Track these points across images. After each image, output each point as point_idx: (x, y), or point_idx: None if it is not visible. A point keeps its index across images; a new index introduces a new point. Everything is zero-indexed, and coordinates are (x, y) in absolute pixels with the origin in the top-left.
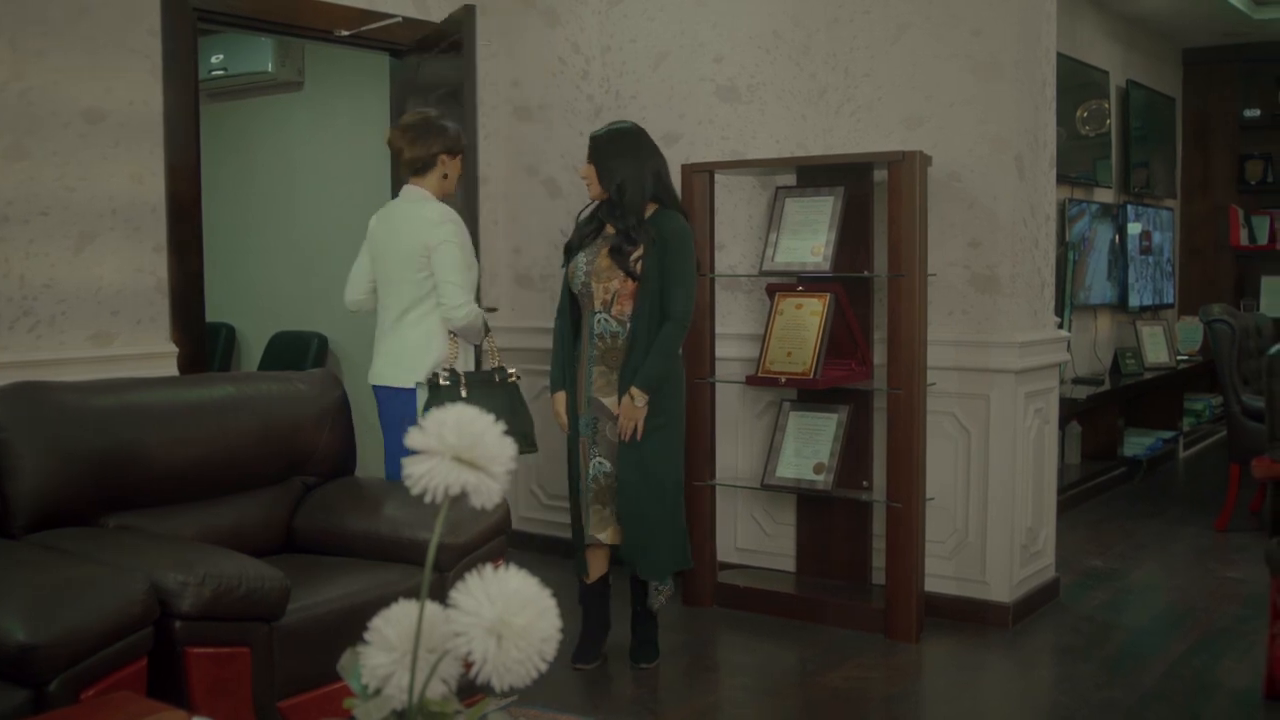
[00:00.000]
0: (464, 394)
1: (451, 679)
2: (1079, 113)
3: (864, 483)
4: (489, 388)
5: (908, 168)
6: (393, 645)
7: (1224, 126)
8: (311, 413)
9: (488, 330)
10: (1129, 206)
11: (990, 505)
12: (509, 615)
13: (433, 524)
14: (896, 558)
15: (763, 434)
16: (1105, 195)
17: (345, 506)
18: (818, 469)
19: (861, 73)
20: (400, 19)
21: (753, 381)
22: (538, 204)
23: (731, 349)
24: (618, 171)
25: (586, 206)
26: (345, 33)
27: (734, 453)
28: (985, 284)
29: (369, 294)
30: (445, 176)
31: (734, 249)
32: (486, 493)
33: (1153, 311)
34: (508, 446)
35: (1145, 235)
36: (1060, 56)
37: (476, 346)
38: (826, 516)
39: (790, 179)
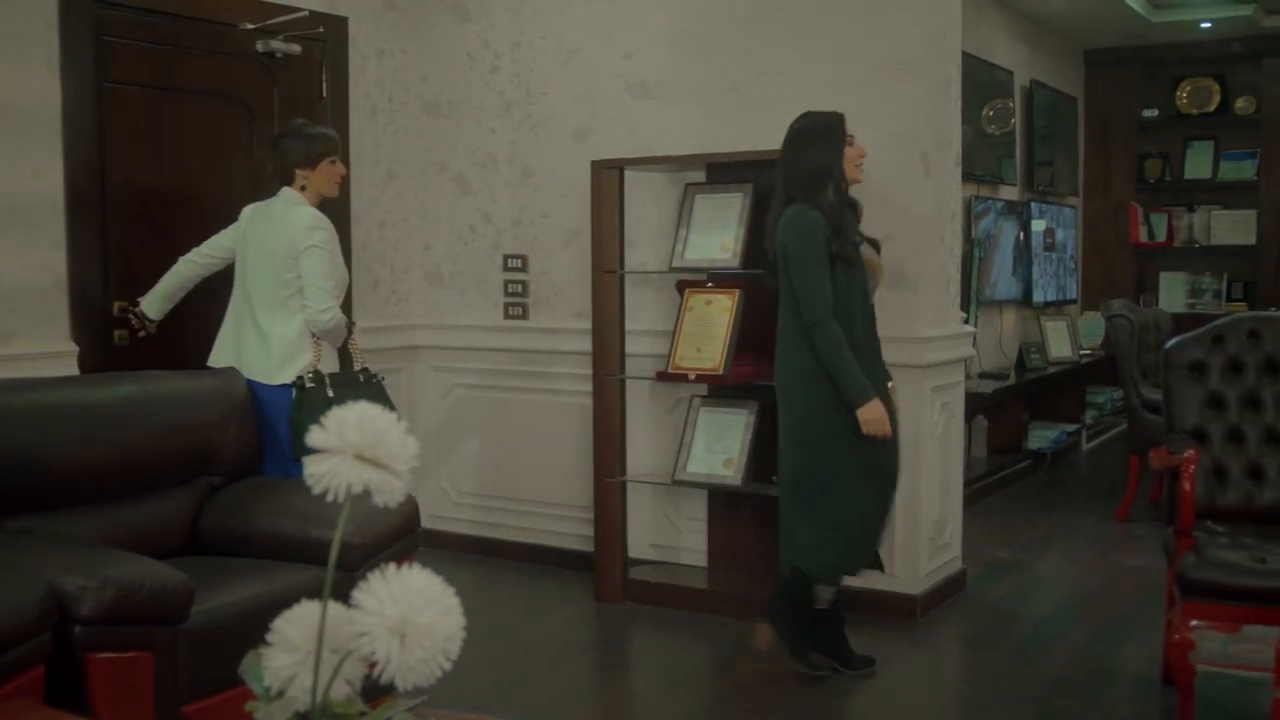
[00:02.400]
0: (330, 394)
1: (356, 679)
2: (985, 111)
3: (774, 477)
4: (355, 388)
5: None
6: (295, 646)
7: (1124, 126)
8: (217, 412)
9: (350, 333)
10: (1033, 204)
11: (898, 499)
12: (412, 614)
13: (348, 524)
14: None
15: (673, 430)
16: (1010, 193)
17: (252, 507)
18: (728, 464)
19: (772, 70)
20: (307, 13)
21: (663, 378)
22: (448, 200)
23: (641, 345)
24: None
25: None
26: (251, 26)
27: (645, 449)
28: (893, 280)
29: (210, 263)
30: (304, 188)
31: (644, 246)
32: (389, 491)
33: (1056, 307)
34: (410, 444)
35: (1049, 232)
36: (966, 56)
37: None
38: (736, 511)
39: (700, 175)
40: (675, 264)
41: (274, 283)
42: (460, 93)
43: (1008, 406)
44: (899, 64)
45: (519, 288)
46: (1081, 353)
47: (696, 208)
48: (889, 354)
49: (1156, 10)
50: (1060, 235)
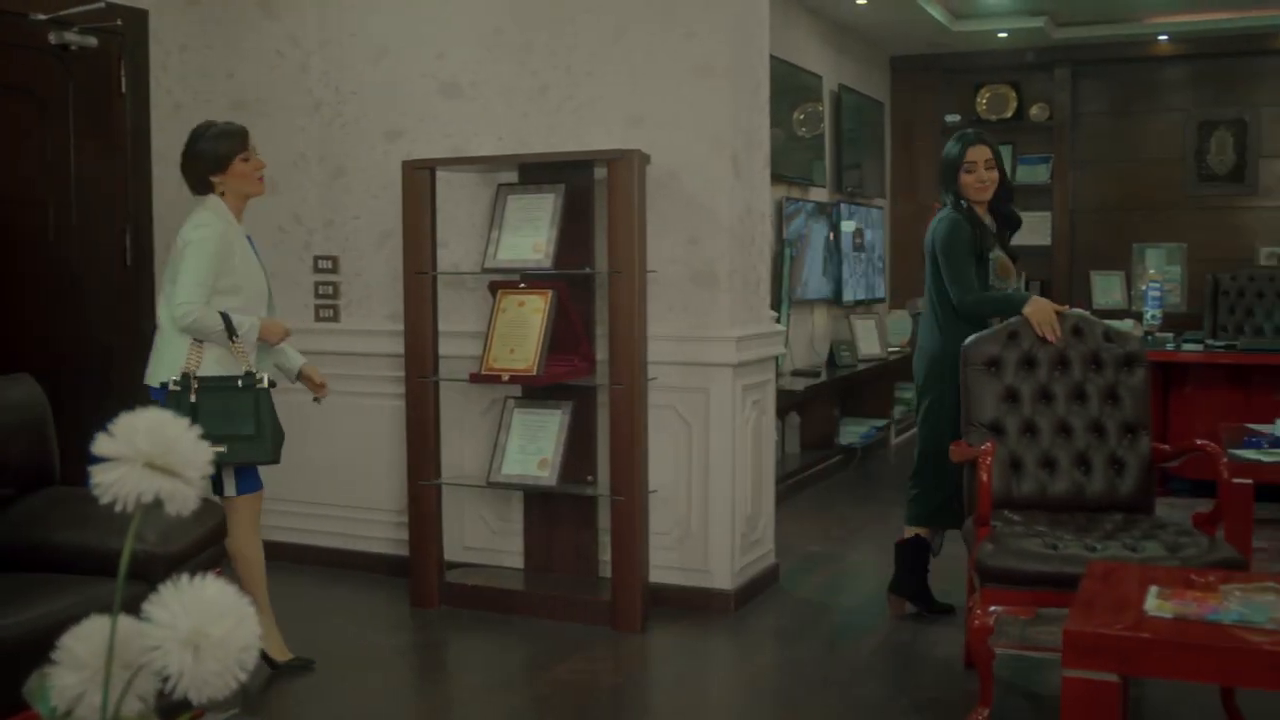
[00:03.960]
0: (193, 399)
1: (149, 695)
2: (795, 115)
3: (588, 477)
4: (229, 393)
5: (626, 166)
6: (83, 663)
7: (928, 130)
8: (9, 421)
9: (233, 334)
10: (842, 205)
11: (711, 496)
12: (205, 625)
13: (150, 534)
14: (621, 550)
15: (487, 432)
16: (820, 194)
17: (51, 519)
18: (542, 465)
19: (583, 71)
20: (104, 4)
21: (476, 379)
22: (256, 201)
23: (454, 347)
24: (1005, 173)
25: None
26: (43, 17)
27: (459, 451)
28: (703, 280)
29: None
30: (224, 194)
31: (456, 246)
32: (181, 499)
33: (865, 305)
34: (204, 451)
35: (858, 233)
36: (776, 60)
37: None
38: (553, 512)
39: (512, 176)
40: (488, 265)
41: (167, 284)
42: (268, 91)
43: (819, 403)
44: (708, 67)
45: (330, 289)
46: (890, 350)
47: (509, 208)
48: (698, 353)
49: (957, 20)
50: (869, 236)
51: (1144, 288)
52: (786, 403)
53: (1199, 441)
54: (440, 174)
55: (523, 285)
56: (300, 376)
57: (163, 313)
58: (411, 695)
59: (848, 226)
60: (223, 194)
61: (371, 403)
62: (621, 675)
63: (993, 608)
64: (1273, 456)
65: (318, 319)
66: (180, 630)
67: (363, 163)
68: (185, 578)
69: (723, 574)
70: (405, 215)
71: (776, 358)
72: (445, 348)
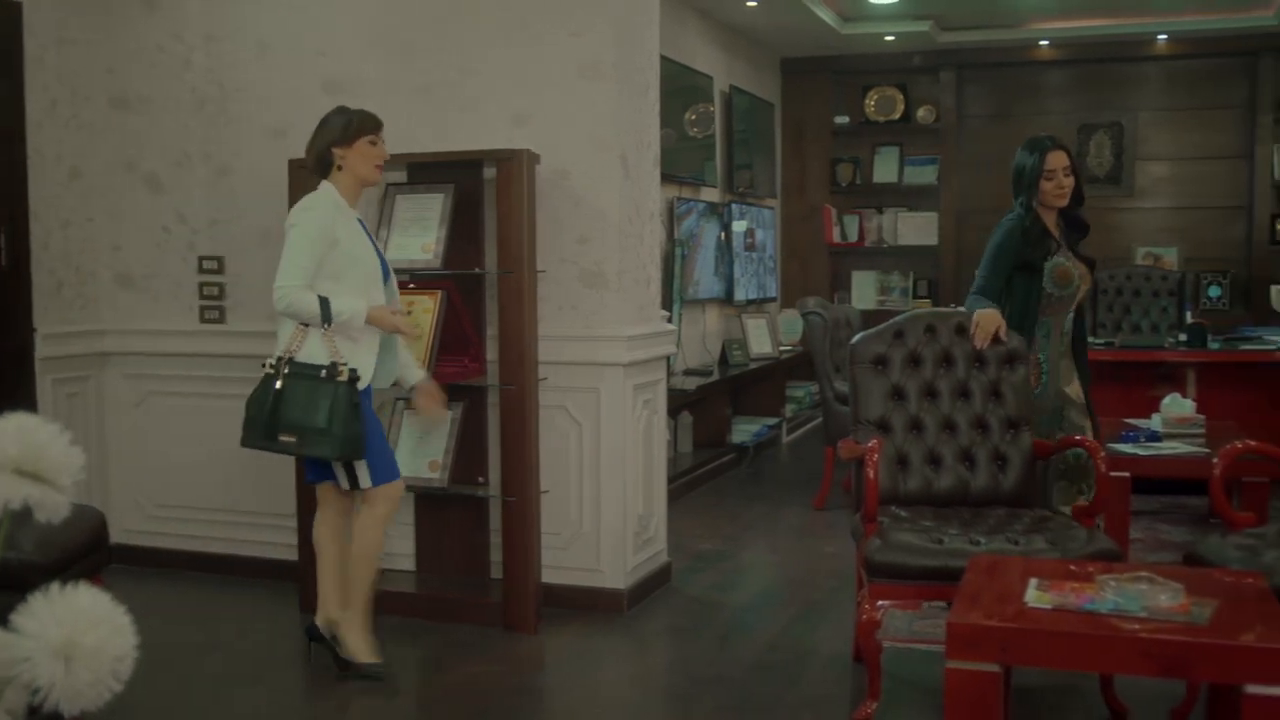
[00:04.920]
0: (279, 384)
1: (19, 709)
2: (687, 115)
3: (480, 478)
4: (313, 382)
5: (515, 165)
6: None
7: (818, 132)
8: None
9: (327, 319)
10: (734, 205)
11: (603, 495)
12: (78, 635)
13: (26, 542)
14: (513, 551)
15: None
16: (712, 194)
17: None
18: (433, 466)
19: (470, 70)
20: None
21: None
22: (139, 200)
23: None
24: (1079, 177)
25: (1008, 215)
26: None
27: None
28: (593, 280)
29: None
30: (340, 168)
31: None
32: (51, 506)
33: (757, 305)
34: (75, 457)
35: (749, 233)
36: (667, 61)
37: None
38: (444, 514)
39: (401, 176)
40: None
41: None
42: (151, 87)
43: (712, 402)
44: (597, 67)
45: (215, 290)
46: (781, 349)
47: (397, 208)
48: (589, 353)
49: (845, 23)
50: (760, 236)
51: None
52: (678, 402)
53: (1078, 437)
54: None
55: (412, 286)
56: (414, 390)
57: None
58: (304, 701)
59: (739, 226)
60: (340, 168)
61: None
62: (515, 676)
63: (880, 602)
64: (1149, 450)
65: (203, 320)
66: (50, 641)
67: (248, 161)
68: (56, 586)
69: (615, 573)
70: None
71: (668, 357)
72: None
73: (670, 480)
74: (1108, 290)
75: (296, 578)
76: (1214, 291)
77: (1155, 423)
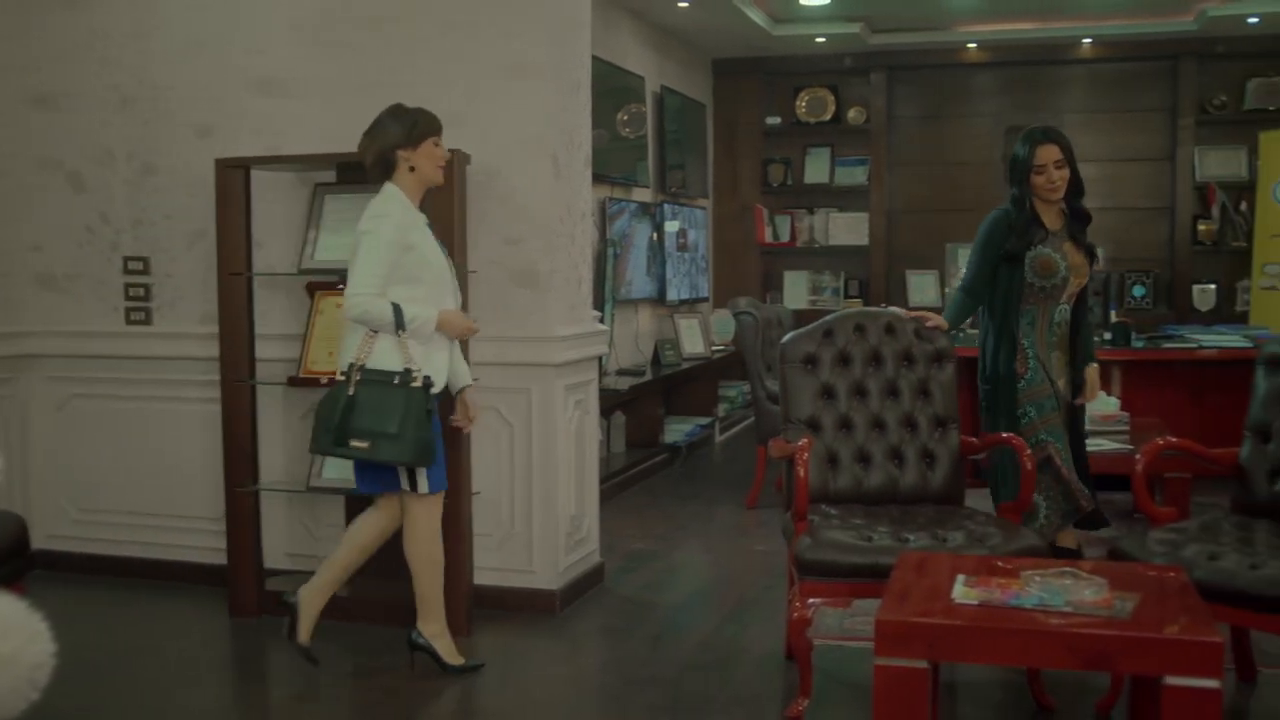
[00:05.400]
0: (351, 391)
1: None
2: (619, 116)
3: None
4: (385, 388)
5: (445, 166)
6: None
7: (749, 132)
8: None
9: (401, 326)
10: (666, 205)
11: (535, 496)
12: None
13: None
14: (445, 552)
15: (307, 436)
16: (644, 195)
17: None
18: None
19: (402, 70)
20: None
21: (295, 382)
22: (60, 199)
23: (272, 350)
24: (1074, 167)
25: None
26: None
27: (278, 456)
28: (525, 280)
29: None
30: (413, 169)
31: (273, 247)
32: None
33: (689, 305)
34: None
35: (682, 233)
36: (599, 61)
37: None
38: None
39: (331, 176)
40: (305, 266)
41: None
42: (73, 84)
43: (645, 402)
44: (529, 67)
45: (141, 291)
46: (714, 349)
47: (327, 208)
48: (520, 353)
49: (776, 24)
50: (692, 236)
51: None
52: (611, 402)
53: (1004, 434)
54: (256, 173)
55: (341, 286)
56: (457, 396)
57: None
58: (231, 708)
59: (671, 226)
60: (412, 169)
61: (186, 408)
62: (446, 679)
63: (811, 600)
64: None
65: (128, 322)
66: None
67: (174, 160)
68: None
69: (547, 574)
70: (219, 215)
71: (600, 357)
72: (262, 350)
73: (603, 480)
74: None
75: (225, 581)
76: (1138, 291)
77: None
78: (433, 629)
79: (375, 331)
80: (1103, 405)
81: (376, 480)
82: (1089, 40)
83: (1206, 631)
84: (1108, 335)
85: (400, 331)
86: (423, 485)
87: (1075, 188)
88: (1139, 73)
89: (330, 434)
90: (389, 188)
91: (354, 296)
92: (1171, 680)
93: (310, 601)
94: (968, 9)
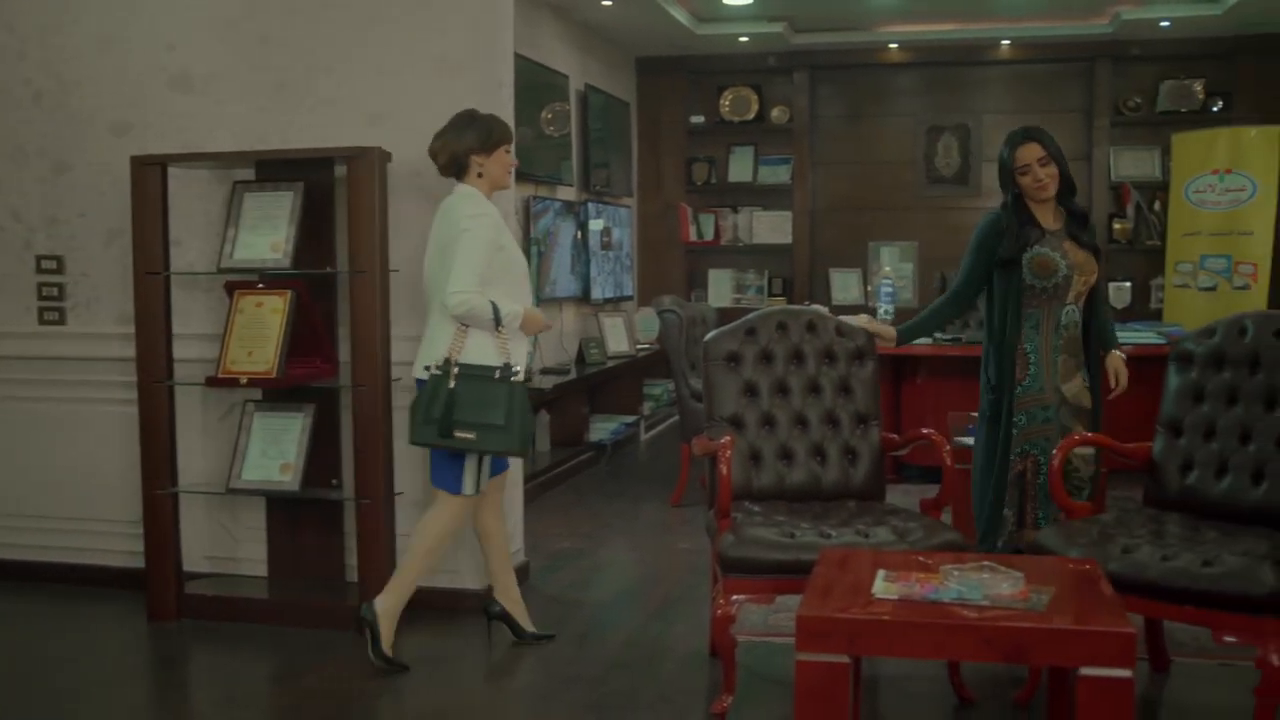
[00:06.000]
0: (452, 385)
1: None
2: (544, 114)
3: (333, 481)
4: (485, 383)
5: (367, 163)
6: None
7: (673, 131)
8: None
9: (499, 323)
10: (590, 204)
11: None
12: None
13: None
14: (368, 554)
15: (227, 437)
16: (568, 193)
17: None
18: (285, 469)
19: (323, 66)
20: None
21: (213, 383)
22: None
23: (190, 350)
24: (1063, 164)
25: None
26: None
27: (197, 458)
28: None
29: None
30: (481, 175)
31: (191, 246)
32: None
33: (614, 303)
34: None
35: (606, 231)
36: (523, 60)
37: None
38: (297, 517)
39: (249, 173)
40: (224, 265)
41: (438, 275)
42: None
43: (570, 400)
44: (450, 64)
45: (55, 291)
46: (639, 347)
47: (245, 206)
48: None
49: (700, 23)
50: (617, 234)
51: (879, 284)
52: (536, 400)
53: (925, 430)
54: (173, 170)
55: (261, 285)
56: None
57: (433, 300)
58: (152, 714)
59: (596, 225)
60: (480, 175)
61: (103, 409)
62: (371, 681)
63: (735, 597)
64: None
65: (42, 322)
66: None
67: (88, 157)
68: None
69: (472, 574)
70: (135, 213)
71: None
72: (180, 351)
73: (528, 480)
74: None
75: (143, 585)
76: None
77: None
78: (388, 606)
79: (466, 327)
80: None
81: (448, 476)
82: (1008, 42)
83: (1119, 623)
84: None
85: (499, 328)
86: (468, 486)
87: (1067, 185)
88: (1056, 74)
89: (434, 425)
90: (467, 189)
91: (458, 294)
92: (1086, 671)
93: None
94: (889, 10)
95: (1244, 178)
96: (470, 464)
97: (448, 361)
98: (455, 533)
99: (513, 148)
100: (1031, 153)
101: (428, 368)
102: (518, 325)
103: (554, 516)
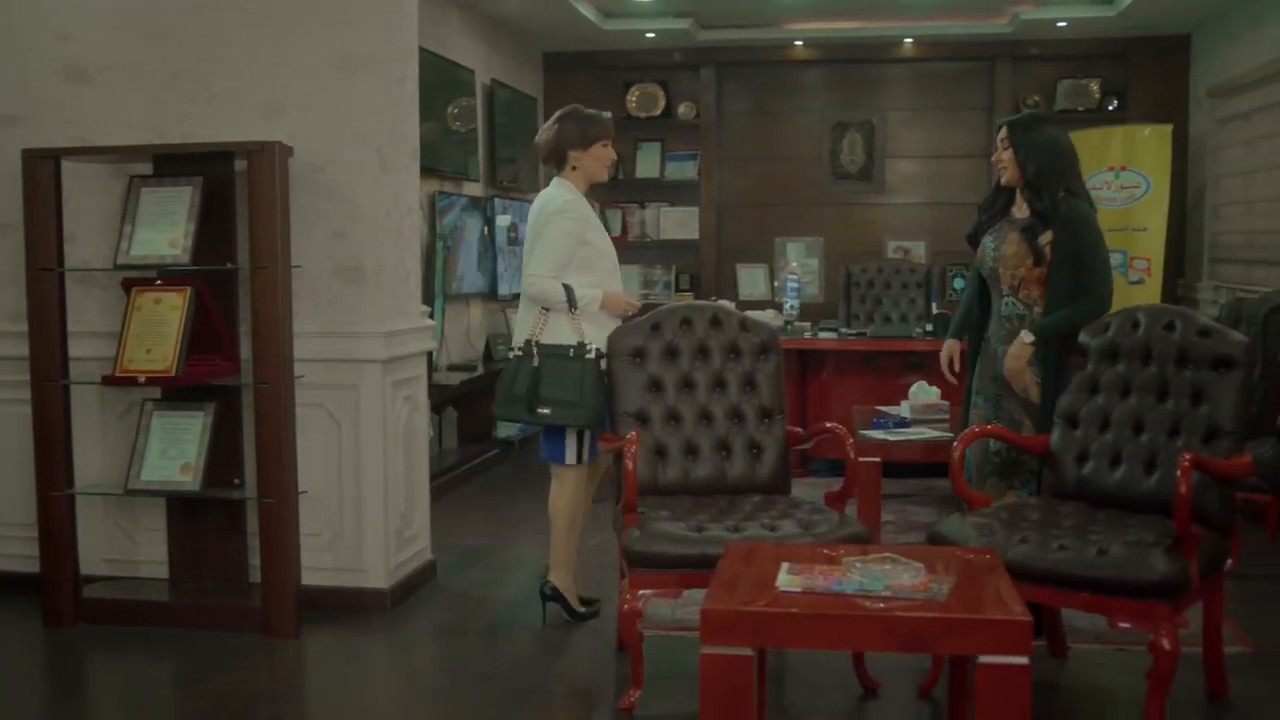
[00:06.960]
0: (535, 363)
1: None
2: (450, 109)
3: (235, 480)
4: (561, 360)
5: (267, 158)
6: None
7: None
8: None
9: (573, 305)
10: (497, 200)
11: (363, 494)
12: None
13: None
14: (271, 554)
15: (124, 437)
16: (475, 189)
17: None
18: (186, 469)
19: (220, 58)
20: None
21: (110, 382)
22: None
23: (86, 348)
24: (1035, 156)
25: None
26: None
27: (94, 459)
28: (350, 275)
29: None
30: (575, 168)
31: (86, 241)
32: None
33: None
34: None
35: (513, 227)
36: (428, 53)
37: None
38: (198, 518)
39: (146, 168)
40: (120, 261)
41: (526, 258)
42: None
43: (476, 397)
44: (354, 58)
45: None
46: None
47: (143, 201)
48: (346, 349)
49: (607, 19)
50: (523, 230)
51: (785, 279)
52: (442, 397)
53: (828, 424)
54: (66, 164)
55: (159, 282)
56: None
57: (522, 284)
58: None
59: (503, 221)
60: (575, 169)
61: None
62: (277, 683)
63: (641, 592)
64: (898, 436)
65: None
66: None
67: None
68: None
69: (377, 573)
70: (26, 208)
71: (430, 353)
72: (75, 349)
73: (434, 477)
74: (860, 283)
75: (38, 590)
76: (959, 283)
77: (904, 409)
78: (564, 581)
79: (547, 310)
80: (924, 394)
81: (555, 449)
82: (910, 40)
83: (1015, 611)
84: (929, 326)
85: (573, 310)
86: (570, 456)
87: (1033, 180)
88: (958, 72)
89: (521, 402)
90: (562, 182)
91: (532, 277)
92: (984, 659)
93: (563, 584)
94: (794, 7)
95: (1138, 175)
96: (570, 436)
97: (529, 342)
98: (579, 499)
99: (610, 142)
100: (1000, 134)
101: (513, 349)
102: (596, 308)
103: (461, 514)
